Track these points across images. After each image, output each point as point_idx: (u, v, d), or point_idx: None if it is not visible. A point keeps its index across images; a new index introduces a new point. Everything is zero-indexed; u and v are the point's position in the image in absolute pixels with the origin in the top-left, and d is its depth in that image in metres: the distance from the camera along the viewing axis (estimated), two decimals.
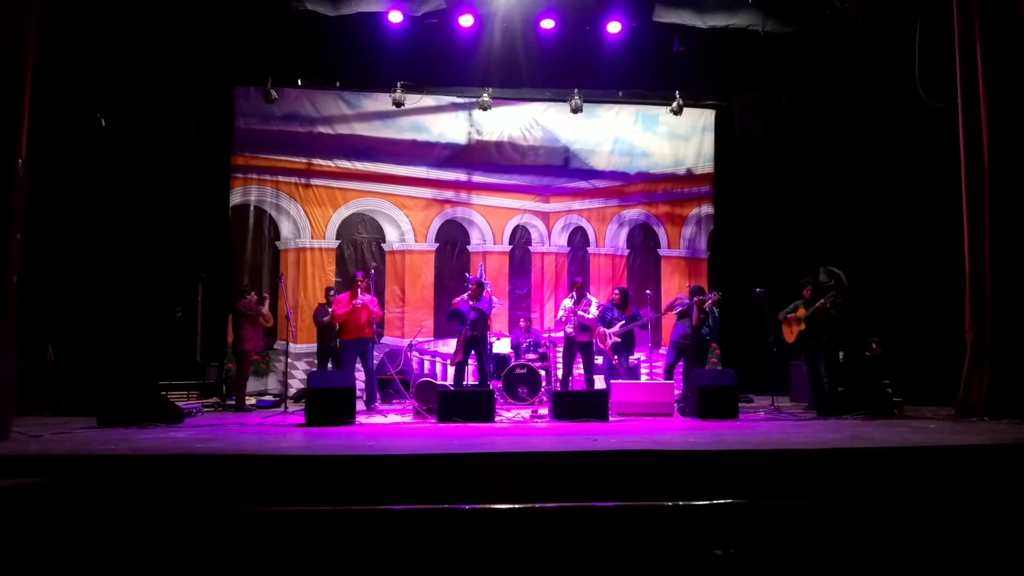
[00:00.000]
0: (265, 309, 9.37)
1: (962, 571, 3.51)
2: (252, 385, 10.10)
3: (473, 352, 8.92)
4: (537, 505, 3.89)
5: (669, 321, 10.28)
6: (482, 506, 3.89)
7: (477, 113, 11.90)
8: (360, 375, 9.08)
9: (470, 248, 12.16)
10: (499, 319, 11.37)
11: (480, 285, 9.02)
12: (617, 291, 10.21)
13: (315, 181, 11.82)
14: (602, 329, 9.61)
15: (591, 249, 12.48)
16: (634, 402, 8.27)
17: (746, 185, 12.36)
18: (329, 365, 9.14)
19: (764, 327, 9.47)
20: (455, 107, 12.13)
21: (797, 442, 5.64)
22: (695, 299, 9.24)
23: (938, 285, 9.26)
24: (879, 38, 9.77)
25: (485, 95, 11.46)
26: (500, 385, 9.55)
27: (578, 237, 12.48)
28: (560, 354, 9.71)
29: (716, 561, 3.39)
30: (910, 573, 3.50)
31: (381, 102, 11.76)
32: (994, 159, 7.64)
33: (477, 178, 12.24)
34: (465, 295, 8.96)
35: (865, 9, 9.54)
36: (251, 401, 9.67)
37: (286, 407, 8.29)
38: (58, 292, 8.91)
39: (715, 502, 3.90)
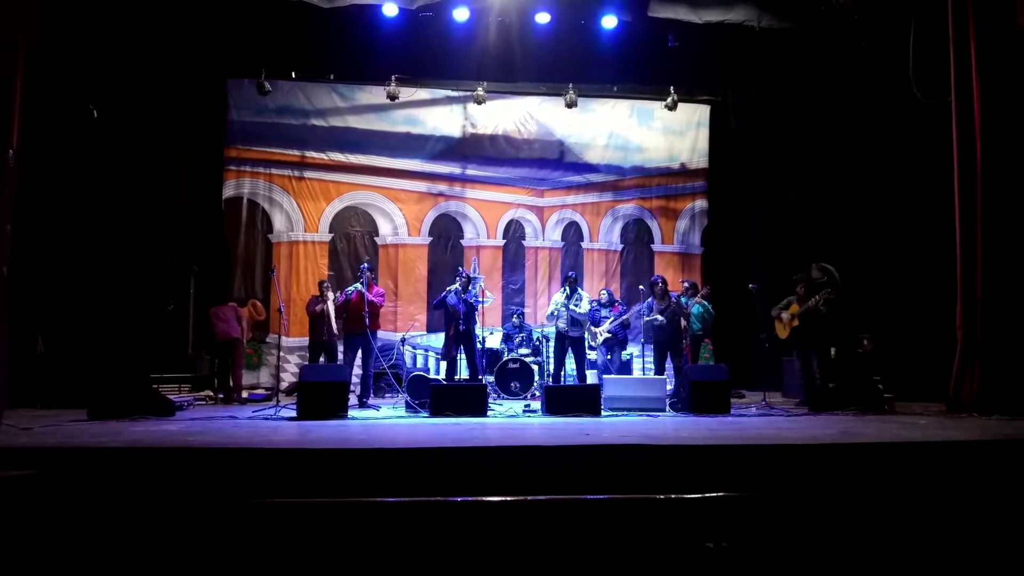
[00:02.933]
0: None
1: (952, 566, 3.53)
2: (244, 378, 10.08)
3: (462, 346, 8.92)
4: (529, 498, 3.89)
5: None
6: (474, 499, 3.89)
7: (472, 107, 11.87)
8: (357, 369, 9.11)
9: (464, 242, 12.14)
10: (492, 313, 11.36)
11: (469, 279, 9.02)
12: (604, 291, 10.34)
13: (308, 174, 11.78)
14: (592, 328, 9.64)
15: (585, 244, 12.48)
16: (626, 397, 8.28)
17: (740, 181, 12.37)
18: (321, 359, 9.12)
19: (757, 323, 9.50)
20: (449, 100, 12.09)
21: (789, 437, 5.67)
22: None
23: (929, 282, 9.30)
24: (874, 35, 9.79)
25: (480, 89, 11.44)
26: (493, 379, 9.57)
27: (572, 232, 12.47)
28: (552, 349, 9.71)
29: (708, 554, 3.40)
30: (900, 567, 3.51)
31: (375, 95, 11.72)
32: (987, 156, 7.67)
33: (471, 171, 12.21)
34: (455, 286, 8.96)
35: (861, 5, 9.57)
36: (243, 395, 9.66)
37: (278, 400, 8.27)
38: (49, 284, 8.88)
39: (707, 495, 3.92)
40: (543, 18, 10.18)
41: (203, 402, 9.12)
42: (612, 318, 9.77)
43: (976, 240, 7.72)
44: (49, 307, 8.90)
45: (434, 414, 7.47)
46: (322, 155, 11.84)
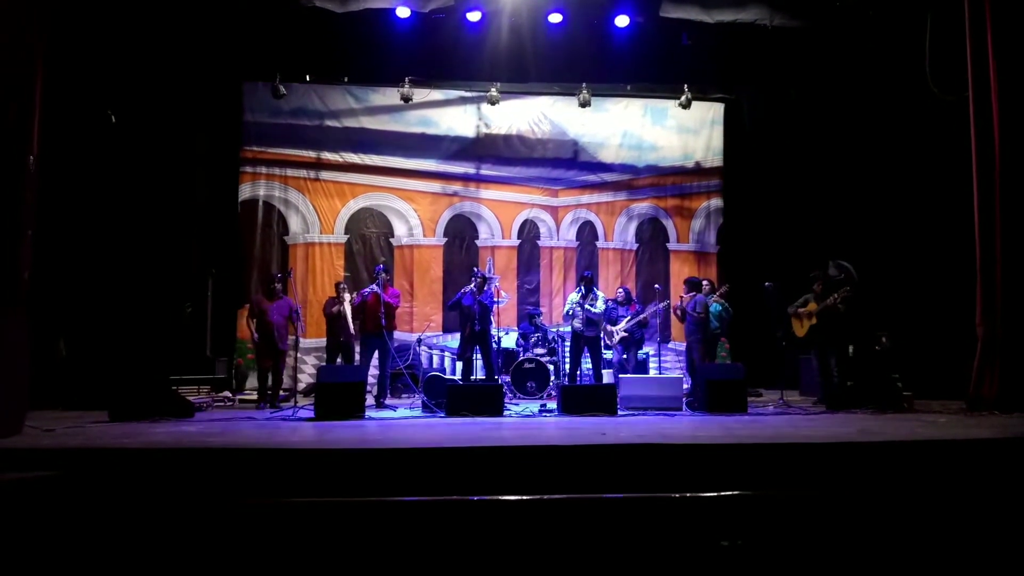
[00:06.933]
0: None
1: (973, 564, 3.51)
2: (255, 380, 10.09)
3: (478, 347, 8.93)
4: (545, 497, 3.90)
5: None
6: (491, 498, 3.90)
7: (485, 107, 11.89)
8: (373, 369, 9.16)
9: (478, 242, 12.16)
10: (508, 313, 11.37)
11: (484, 279, 9.04)
12: (620, 290, 10.29)
13: (323, 175, 11.85)
14: (609, 327, 9.63)
15: (600, 243, 12.46)
16: (642, 396, 8.27)
17: (755, 179, 12.30)
18: (338, 360, 9.17)
19: (773, 321, 9.46)
20: (463, 101, 12.12)
21: (806, 436, 5.64)
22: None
23: (948, 279, 9.23)
24: (889, 31, 9.72)
25: (493, 89, 11.46)
26: (509, 379, 9.58)
27: (587, 231, 12.47)
28: (568, 348, 9.71)
29: (723, 552, 3.40)
30: (919, 566, 3.49)
31: (389, 96, 11.77)
32: (1005, 152, 7.60)
33: (486, 171, 12.23)
34: (470, 286, 8.98)
35: (876, 1, 9.50)
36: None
37: (296, 401, 8.33)
38: (70, 288, 8.99)
39: (722, 494, 3.91)
40: (555, 18, 10.17)
41: (221, 403, 9.20)
42: (629, 317, 9.75)
43: (995, 236, 7.65)
44: (70, 310, 9.01)
45: (450, 414, 7.50)
46: (337, 156, 11.90)
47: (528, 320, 10.91)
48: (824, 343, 8.82)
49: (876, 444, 5.20)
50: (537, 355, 10.07)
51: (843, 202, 11.16)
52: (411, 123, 12.03)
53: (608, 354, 9.93)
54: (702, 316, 9.25)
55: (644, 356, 10.35)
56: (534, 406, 8.67)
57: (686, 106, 11.89)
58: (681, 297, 9.81)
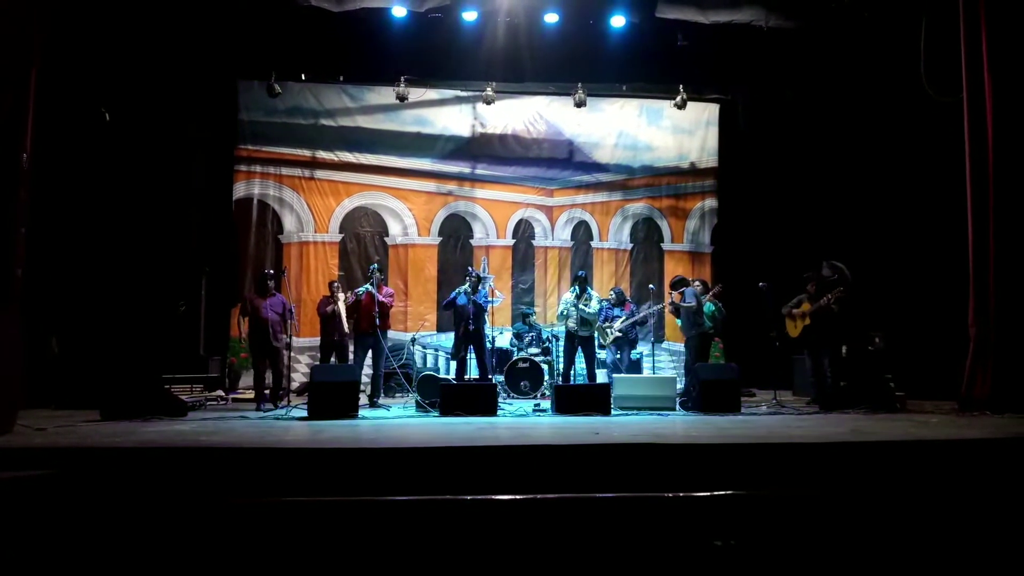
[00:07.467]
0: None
1: (964, 565, 3.52)
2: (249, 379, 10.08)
3: (472, 346, 8.93)
4: (539, 496, 3.90)
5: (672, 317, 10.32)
6: (485, 497, 3.90)
7: (481, 106, 11.89)
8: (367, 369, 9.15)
9: (473, 242, 12.16)
10: (502, 313, 11.37)
11: (479, 279, 9.04)
12: (612, 292, 10.26)
13: (318, 173, 11.83)
14: (603, 326, 9.63)
15: (594, 243, 12.47)
16: (636, 396, 8.28)
17: (750, 179, 12.33)
18: (332, 359, 9.15)
19: (767, 321, 9.48)
20: (459, 100, 12.11)
21: (799, 436, 5.65)
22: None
23: (941, 279, 9.26)
24: (885, 33, 9.75)
25: (489, 89, 11.45)
26: (503, 379, 9.58)
27: (581, 231, 12.47)
28: (562, 348, 9.72)
29: (716, 552, 3.40)
30: (911, 566, 3.50)
31: (385, 96, 11.77)
32: (999, 153, 7.63)
33: (481, 171, 12.23)
34: (465, 286, 8.98)
35: (871, 2, 9.53)
36: (252, 395, 9.69)
37: (289, 401, 8.31)
38: (62, 286, 8.96)
39: (715, 493, 3.92)
40: (551, 18, 10.19)
41: (214, 402, 9.17)
42: (624, 317, 9.75)
43: (989, 237, 7.68)
44: (62, 308, 8.98)
45: (444, 413, 7.50)
46: (332, 155, 11.89)
47: (522, 320, 10.93)
48: (817, 343, 8.84)
49: (869, 444, 5.21)
50: (531, 355, 10.08)
51: (837, 203, 11.19)
52: (406, 122, 12.02)
53: (602, 354, 9.94)
54: (694, 307, 9.23)
55: (638, 356, 10.36)
56: (528, 405, 8.67)
57: (681, 107, 11.91)
58: (671, 292, 9.79)
